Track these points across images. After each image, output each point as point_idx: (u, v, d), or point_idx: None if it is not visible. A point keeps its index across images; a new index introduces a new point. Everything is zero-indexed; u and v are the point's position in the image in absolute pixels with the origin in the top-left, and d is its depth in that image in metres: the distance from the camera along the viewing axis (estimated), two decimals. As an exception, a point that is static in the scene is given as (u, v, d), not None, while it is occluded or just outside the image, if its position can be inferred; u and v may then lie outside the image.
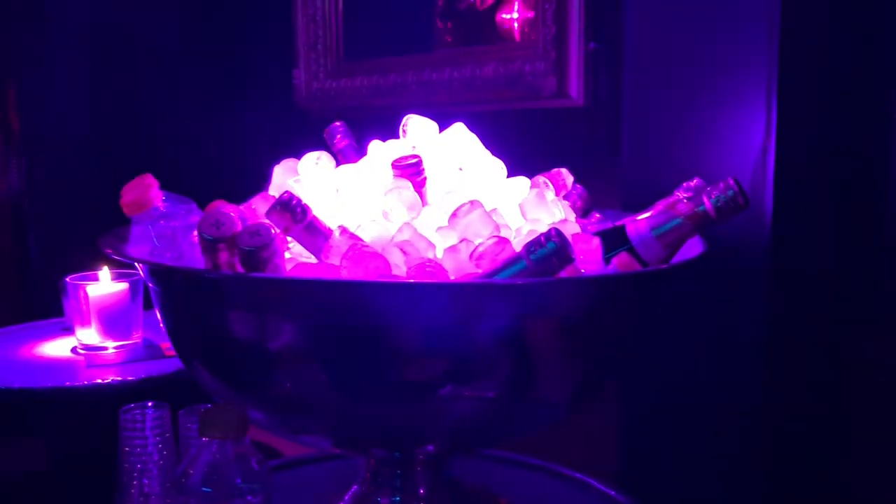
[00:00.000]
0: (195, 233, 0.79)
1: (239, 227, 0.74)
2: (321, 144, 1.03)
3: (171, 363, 1.41)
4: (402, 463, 0.93)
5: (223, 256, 0.75)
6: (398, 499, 0.93)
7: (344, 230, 0.81)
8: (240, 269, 0.75)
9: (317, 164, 0.95)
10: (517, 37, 1.58)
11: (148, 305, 1.49)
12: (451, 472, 0.96)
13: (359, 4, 1.94)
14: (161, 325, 0.89)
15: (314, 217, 0.81)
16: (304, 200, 0.80)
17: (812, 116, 1.07)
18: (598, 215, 1.01)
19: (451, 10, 1.75)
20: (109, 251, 0.82)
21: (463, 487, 0.98)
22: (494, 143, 1.00)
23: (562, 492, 1.09)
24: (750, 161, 1.06)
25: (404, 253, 0.80)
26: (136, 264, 0.83)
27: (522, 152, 1.06)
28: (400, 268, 0.79)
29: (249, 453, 0.76)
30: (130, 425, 0.89)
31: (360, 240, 0.81)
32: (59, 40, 1.97)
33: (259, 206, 0.91)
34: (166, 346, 1.48)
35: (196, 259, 0.82)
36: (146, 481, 0.89)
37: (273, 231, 0.74)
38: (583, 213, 1.01)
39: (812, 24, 1.06)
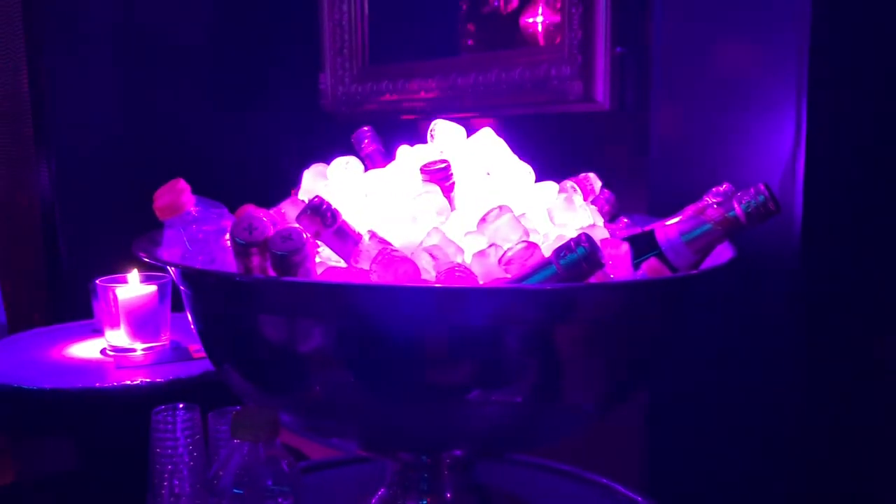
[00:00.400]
0: (227, 237, 0.80)
1: (271, 231, 0.75)
2: (346, 149, 1.04)
3: (198, 365, 1.42)
4: (430, 467, 0.93)
5: (255, 260, 0.75)
6: (425, 502, 0.93)
7: (373, 235, 0.82)
8: (271, 272, 0.76)
9: (345, 168, 0.96)
10: (541, 41, 1.58)
11: (175, 308, 1.51)
12: (478, 476, 0.96)
13: (384, 10, 1.95)
14: (192, 327, 0.90)
15: (344, 221, 0.81)
16: (334, 205, 0.81)
17: (842, 121, 1.06)
18: (625, 220, 1.01)
19: (475, 15, 1.75)
20: (143, 255, 0.83)
21: (489, 492, 0.98)
22: (520, 147, 1.00)
23: (587, 496, 1.09)
24: (780, 166, 1.05)
25: (433, 257, 0.80)
26: (168, 267, 0.84)
27: (548, 157, 1.06)
28: (429, 272, 0.79)
29: (280, 455, 0.76)
30: (161, 426, 0.90)
31: (390, 244, 0.81)
32: (90, 44, 2.00)
33: (288, 211, 0.92)
34: (194, 348, 1.49)
35: (228, 263, 0.83)
36: (176, 482, 0.90)
37: (304, 235, 0.75)
38: (610, 218, 1.01)
39: (843, 26, 1.05)
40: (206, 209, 0.87)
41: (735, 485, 1.15)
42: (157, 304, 1.48)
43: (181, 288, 0.87)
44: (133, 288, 1.48)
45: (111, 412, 1.39)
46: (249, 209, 0.90)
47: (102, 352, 1.51)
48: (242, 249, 0.75)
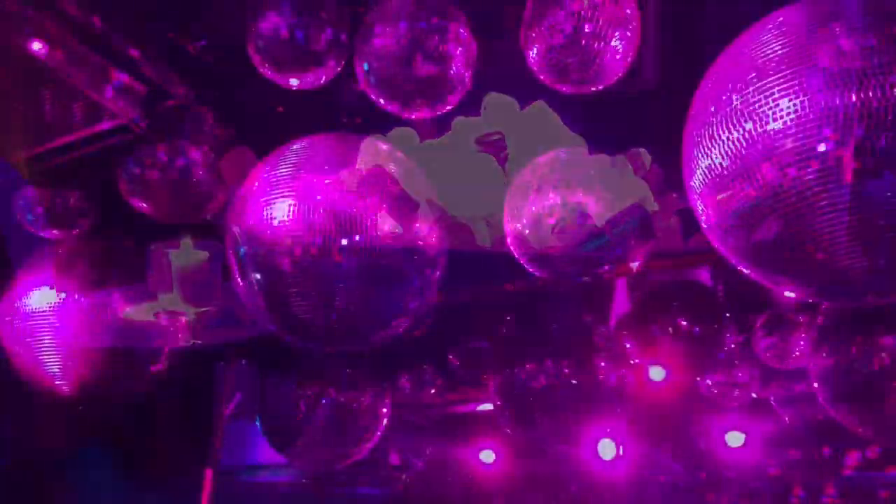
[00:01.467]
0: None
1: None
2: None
3: (247, 328, 1.46)
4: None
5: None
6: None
7: (431, 202, 0.84)
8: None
9: (402, 139, 0.98)
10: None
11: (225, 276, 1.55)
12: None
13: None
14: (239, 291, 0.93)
15: (402, 189, 0.84)
16: (393, 173, 0.84)
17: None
18: (674, 195, 1.02)
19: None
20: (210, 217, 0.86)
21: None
22: (568, 122, 1.02)
23: None
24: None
25: (489, 225, 0.83)
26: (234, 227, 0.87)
27: (597, 133, 1.07)
28: (484, 239, 0.82)
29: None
30: (222, 380, 0.94)
31: (447, 212, 0.84)
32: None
33: (347, 179, 0.94)
34: (242, 312, 1.53)
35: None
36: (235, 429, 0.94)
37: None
38: (660, 193, 1.02)
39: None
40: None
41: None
42: (208, 270, 1.52)
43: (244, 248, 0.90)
44: (186, 254, 1.52)
45: (167, 371, 1.44)
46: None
47: (156, 314, 1.55)
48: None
